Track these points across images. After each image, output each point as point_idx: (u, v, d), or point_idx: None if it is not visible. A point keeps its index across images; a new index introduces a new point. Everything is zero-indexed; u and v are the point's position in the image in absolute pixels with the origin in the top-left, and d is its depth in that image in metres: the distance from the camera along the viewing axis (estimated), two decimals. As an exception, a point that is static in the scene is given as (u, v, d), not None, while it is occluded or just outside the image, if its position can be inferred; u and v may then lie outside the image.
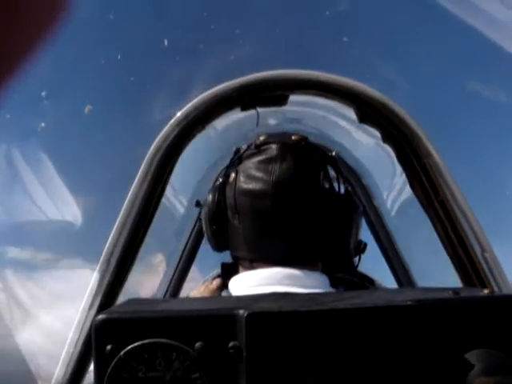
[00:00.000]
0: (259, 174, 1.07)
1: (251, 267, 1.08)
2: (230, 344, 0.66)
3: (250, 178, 1.08)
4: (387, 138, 1.17)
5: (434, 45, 1.31)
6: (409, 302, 0.68)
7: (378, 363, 0.66)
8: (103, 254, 1.18)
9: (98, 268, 1.18)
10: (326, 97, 1.19)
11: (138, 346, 0.67)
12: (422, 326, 0.67)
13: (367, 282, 1.44)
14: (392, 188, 1.77)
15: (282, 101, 1.20)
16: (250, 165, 1.09)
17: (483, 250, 1.12)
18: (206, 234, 1.17)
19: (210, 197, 1.12)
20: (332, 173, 1.16)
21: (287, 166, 1.07)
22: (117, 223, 1.18)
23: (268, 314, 0.66)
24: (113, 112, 1.22)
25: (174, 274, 1.74)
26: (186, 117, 1.17)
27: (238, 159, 1.14)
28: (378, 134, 1.22)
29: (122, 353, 0.66)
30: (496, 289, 1.10)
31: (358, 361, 0.66)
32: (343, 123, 1.57)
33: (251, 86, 1.17)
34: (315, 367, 0.66)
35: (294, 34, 1.27)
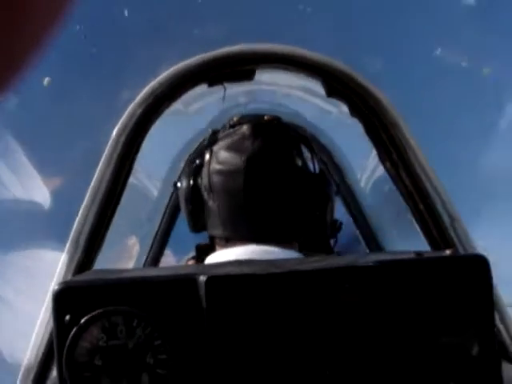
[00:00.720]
0: (232, 154, 1.09)
1: (227, 245, 1.09)
2: (191, 309, 0.66)
3: (223, 157, 1.10)
4: (354, 111, 1.16)
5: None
6: (370, 263, 0.68)
7: (340, 325, 0.66)
8: (71, 234, 1.16)
9: (66, 249, 1.17)
10: (293, 70, 1.18)
11: (98, 314, 0.66)
12: (385, 287, 0.67)
13: None
14: (365, 166, 1.78)
15: (248, 75, 1.19)
16: (223, 145, 1.11)
17: (452, 219, 1.13)
18: (183, 215, 1.18)
19: (186, 178, 1.14)
20: (305, 152, 1.17)
21: (259, 144, 1.09)
22: (84, 203, 1.16)
23: (227, 277, 0.65)
24: (78, 90, 1.20)
25: (147, 257, 1.73)
26: (152, 93, 1.16)
27: (212, 140, 1.16)
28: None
29: (81, 321, 0.66)
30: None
31: (320, 323, 0.66)
32: (316, 101, 1.57)
33: (217, 60, 1.16)
34: (277, 331, 0.66)
35: (260, 7, 1.26)
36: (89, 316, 0.66)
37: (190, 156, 1.72)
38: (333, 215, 1.17)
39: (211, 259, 1.10)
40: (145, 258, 1.73)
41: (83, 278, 0.72)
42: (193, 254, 1.66)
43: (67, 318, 0.66)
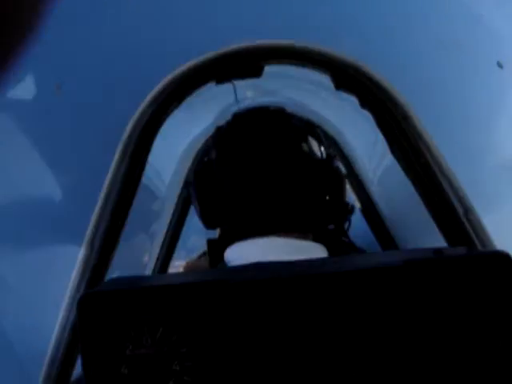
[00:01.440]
0: (238, 146, 1.10)
1: (244, 238, 1.08)
2: (217, 315, 0.66)
3: (231, 151, 1.10)
4: (364, 103, 1.16)
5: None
6: (395, 263, 0.67)
7: (368, 326, 0.66)
8: (86, 236, 1.16)
9: (81, 251, 1.17)
10: (300, 64, 1.17)
11: (124, 323, 0.66)
12: (409, 286, 0.67)
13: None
14: (373, 155, 1.77)
15: (257, 72, 1.18)
16: (230, 138, 1.12)
17: (466, 212, 1.12)
18: (196, 212, 1.18)
19: (196, 175, 1.15)
20: (312, 140, 1.17)
21: (265, 135, 1.10)
22: (98, 206, 1.16)
23: (254, 282, 0.65)
24: (89, 91, 1.20)
25: (159, 255, 1.73)
26: (161, 92, 1.15)
27: (218, 135, 1.18)
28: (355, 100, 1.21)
29: (107, 332, 0.66)
30: (479, 246, 1.10)
31: (348, 325, 0.66)
32: (323, 93, 1.56)
33: (225, 57, 1.15)
34: (306, 336, 0.66)
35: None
36: (114, 325, 0.66)
37: (197, 153, 1.72)
38: (344, 198, 1.17)
39: (231, 253, 1.09)
40: (157, 254, 1.74)
41: (108, 287, 0.72)
42: (203, 249, 1.66)
43: (93, 327, 0.66)
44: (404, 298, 0.67)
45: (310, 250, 1.06)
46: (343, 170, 1.71)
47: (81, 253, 1.16)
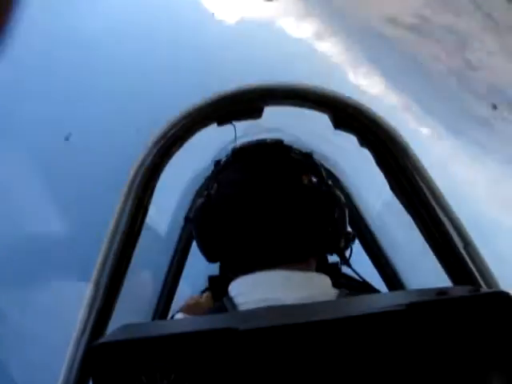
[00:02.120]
0: (238, 179, 1.12)
1: (247, 272, 1.09)
2: (229, 361, 0.67)
3: (230, 184, 1.12)
4: (364, 142, 1.18)
5: None
6: (401, 307, 0.69)
7: (376, 369, 0.68)
8: (92, 278, 1.18)
9: (87, 291, 1.18)
10: (300, 105, 1.20)
11: (136, 370, 0.67)
12: (415, 328, 0.69)
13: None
14: (372, 188, 1.79)
15: (257, 113, 1.21)
16: (229, 172, 1.15)
17: (465, 244, 1.15)
18: (198, 247, 1.19)
19: (196, 211, 1.16)
20: (311, 172, 1.18)
21: (264, 167, 1.12)
22: (103, 248, 1.18)
23: (266, 329, 0.66)
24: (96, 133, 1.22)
25: (162, 292, 1.74)
26: (163, 135, 1.18)
27: (217, 170, 1.20)
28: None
29: (121, 379, 0.67)
30: (480, 279, 1.12)
31: (358, 368, 0.68)
32: (320, 129, 1.59)
33: (226, 100, 1.18)
34: (316, 379, 0.67)
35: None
36: (127, 372, 0.67)
37: (197, 190, 1.74)
38: (345, 227, 1.18)
39: (236, 287, 1.10)
40: (159, 292, 1.74)
41: (118, 335, 0.73)
42: (205, 285, 1.66)
43: (107, 375, 0.67)
44: (410, 339, 0.68)
45: (314, 282, 1.07)
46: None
47: (87, 292, 1.18)
